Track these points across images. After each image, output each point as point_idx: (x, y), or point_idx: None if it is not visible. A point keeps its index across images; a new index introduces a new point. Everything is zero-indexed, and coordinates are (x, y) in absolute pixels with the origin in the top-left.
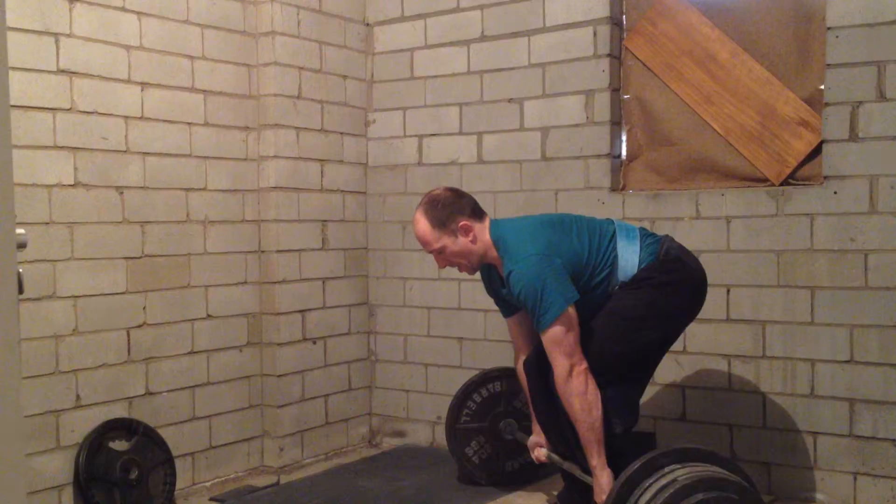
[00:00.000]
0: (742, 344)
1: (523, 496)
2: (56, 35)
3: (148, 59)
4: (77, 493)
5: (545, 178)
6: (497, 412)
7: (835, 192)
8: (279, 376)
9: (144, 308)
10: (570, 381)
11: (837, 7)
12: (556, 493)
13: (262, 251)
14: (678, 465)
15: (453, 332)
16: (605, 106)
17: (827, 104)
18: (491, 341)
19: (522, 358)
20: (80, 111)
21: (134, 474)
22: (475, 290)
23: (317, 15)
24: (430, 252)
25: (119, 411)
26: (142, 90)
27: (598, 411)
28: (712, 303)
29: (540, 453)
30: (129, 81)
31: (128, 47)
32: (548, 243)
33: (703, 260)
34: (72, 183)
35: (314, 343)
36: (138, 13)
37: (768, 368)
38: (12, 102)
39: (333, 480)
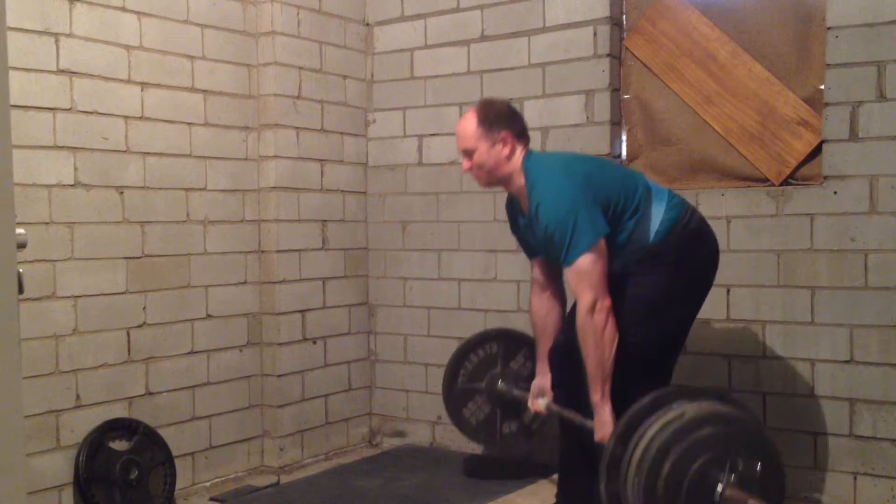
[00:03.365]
0: (742, 344)
1: (523, 496)
2: (56, 35)
3: (148, 59)
4: (77, 493)
5: None
6: (493, 373)
7: (835, 192)
8: (279, 376)
9: (144, 308)
10: (591, 315)
11: (837, 7)
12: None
13: (262, 251)
14: (687, 402)
15: (453, 332)
16: (605, 106)
17: (827, 104)
18: None
19: (542, 295)
20: (80, 111)
21: (134, 474)
22: (475, 290)
23: (317, 15)
24: (462, 150)
25: (119, 411)
26: (142, 90)
27: (610, 350)
28: (712, 303)
29: (539, 404)
30: (129, 81)
31: (128, 47)
32: (585, 175)
33: None
34: (72, 183)
35: (314, 343)
36: (138, 13)
37: (768, 368)
38: (12, 102)
39: (333, 480)
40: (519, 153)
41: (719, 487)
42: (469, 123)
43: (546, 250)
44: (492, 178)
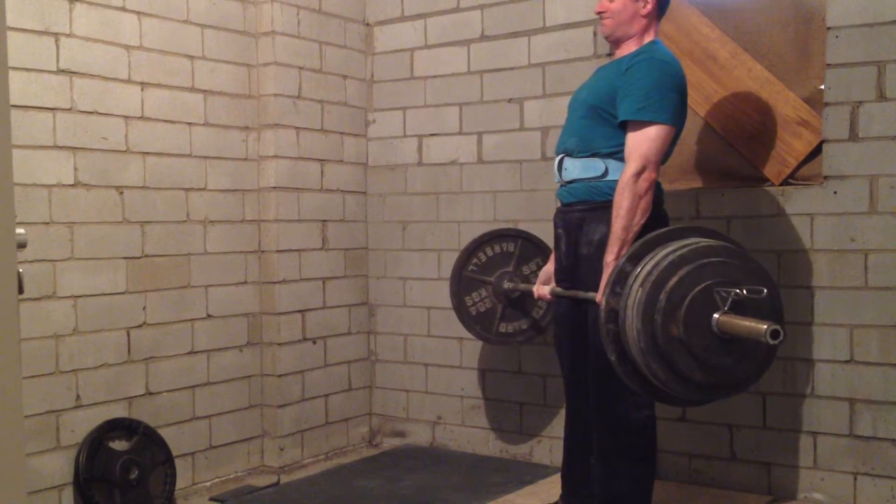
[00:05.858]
0: None
1: (523, 496)
2: (56, 35)
3: (148, 59)
4: (77, 493)
5: (545, 178)
6: (505, 271)
7: (835, 192)
8: (279, 376)
9: (144, 308)
10: (636, 179)
11: (837, 7)
12: (555, 495)
13: (262, 251)
14: (702, 237)
15: (453, 332)
16: None
17: (827, 104)
18: None
19: None
20: (80, 111)
21: (134, 474)
22: None
23: (317, 15)
24: None
25: (119, 411)
26: (142, 90)
27: (640, 219)
28: None
29: (544, 289)
30: (129, 81)
31: (128, 47)
32: (685, 91)
33: None
34: (72, 183)
35: (314, 343)
36: (138, 13)
37: (768, 368)
38: (12, 102)
39: (333, 480)
40: (651, 24)
41: (717, 314)
42: None
43: (588, 103)
44: (617, 31)
